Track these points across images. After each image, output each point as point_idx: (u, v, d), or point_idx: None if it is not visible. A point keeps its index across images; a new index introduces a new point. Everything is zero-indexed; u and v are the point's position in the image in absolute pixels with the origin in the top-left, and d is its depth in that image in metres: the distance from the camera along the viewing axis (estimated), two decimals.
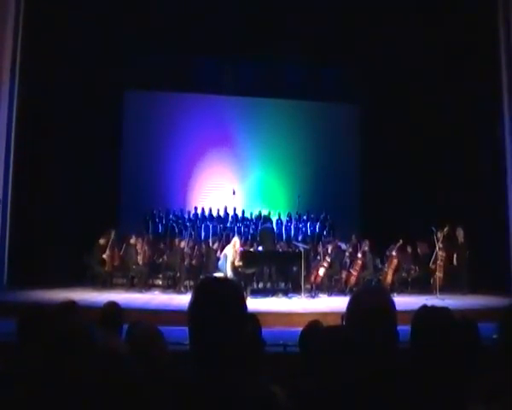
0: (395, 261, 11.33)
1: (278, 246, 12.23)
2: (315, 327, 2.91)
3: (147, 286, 11.63)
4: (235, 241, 10.78)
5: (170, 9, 13.39)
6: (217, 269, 10.73)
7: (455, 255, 11.51)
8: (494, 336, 1.43)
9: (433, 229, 10.96)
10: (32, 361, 1.60)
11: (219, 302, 1.42)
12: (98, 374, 1.16)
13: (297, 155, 15.47)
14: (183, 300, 9.06)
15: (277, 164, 15.55)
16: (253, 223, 14.31)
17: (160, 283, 12.12)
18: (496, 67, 11.67)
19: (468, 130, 12.45)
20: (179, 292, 11.08)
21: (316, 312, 8.45)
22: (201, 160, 15.35)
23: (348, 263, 11.62)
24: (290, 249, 11.91)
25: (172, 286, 11.75)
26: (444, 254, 11.15)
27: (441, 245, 11.10)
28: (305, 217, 14.37)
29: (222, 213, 14.56)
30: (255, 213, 14.65)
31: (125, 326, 2.80)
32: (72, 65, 12.67)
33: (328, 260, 11.35)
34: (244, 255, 10.70)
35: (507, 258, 11.48)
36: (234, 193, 13.56)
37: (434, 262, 11.17)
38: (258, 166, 15.57)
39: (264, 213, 14.25)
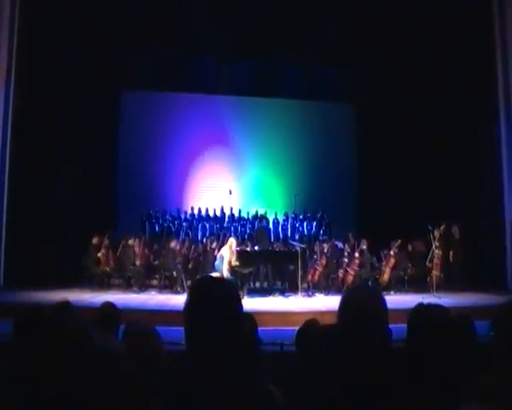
0: (393, 260, 11.35)
1: (275, 245, 12.25)
2: (311, 326, 2.92)
3: (144, 287, 11.63)
4: (232, 241, 10.78)
5: (167, 10, 13.37)
6: (213, 269, 10.73)
7: (451, 253, 11.56)
8: (490, 334, 1.44)
9: (430, 227, 11.00)
10: (29, 362, 1.60)
11: (215, 302, 1.42)
12: (95, 374, 1.16)
13: (293, 154, 15.48)
14: (179, 300, 9.05)
15: (274, 163, 15.55)
16: (250, 222, 14.31)
17: (157, 283, 12.12)
18: (492, 70, 11.72)
19: (465, 129, 12.48)
20: (176, 292, 11.07)
21: (312, 311, 8.45)
22: (198, 159, 15.33)
23: (345, 262, 11.64)
24: (287, 249, 11.91)
25: (169, 287, 11.75)
26: (440, 253, 11.18)
27: (438, 243, 11.13)
28: (301, 216, 14.38)
29: (218, 213, 14.55)
30: (252, 212, 14.65)
31: (122, 327, 2.80)
32: (68, 65, 12.64)
33: (325, 259, 11.37)
34: (241, 255, 10.71)
35: (503, 256, 11.52)
36: (230, 193, 13.55)
37: (431, 260, 11.19)
38: (255, 166, 15.57)
39: (261, 212, 14.30)
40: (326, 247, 11.66)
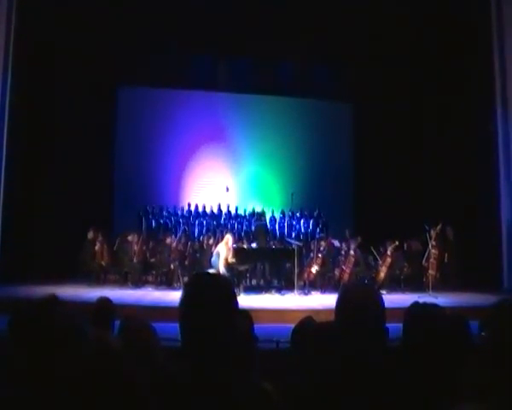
0: (389, 260, 11.39)
1: (271, 243, 12.25)
2: (307, 323, 2.92)
3: (139, 283, 11.63)
4: (228, 238, 10.78)
5: (164, 6, 13.33)
6: (210, 266, 10.74)
7: (446, 253, 11.59)
8: (482, 334, 1.44)
9: (427, 227, 11.02)
10: (20, 357, 1.60)
11: (210, 298, 1.42)
12: (87, 370, 1.15)
13: (291, 152, 15.47)
14: (175, 296, 9.04)
15: (271, 161, 15.54)
16: (247, 220, 14.31)
17: (153, 279, 12.12)
18: (490, 70, 11.74)
19: (462, 129, 12.51)
20: (173, 288, 11.08)
21: (308, 309, 8.49)
22: (195, 156, 15.32)
23: (342, 260, 11.66)
24: (283, 246, 11.92)
25: (165, 283, 11.76)
26: (436, 252, 11.21)
27: (434, 243, 11.15)
28: (298, 214, 14.38)
29: (215, 210, 14.54)
30: (249, 209, 14.65)
31: (118, 322, 2.79)
32: (65, 62, 12.62)
33: (321, 257, 11.38)
34: (237, 252, 10.71)
35: (499, 256, 11.56)
36: (227, 190, 13.54)
37: (427, 260, 11.22)
38: (252, 163, 15.56)
39: (258, 209, 14.30)
40: (322, 245, 11.67)
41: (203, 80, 15.31)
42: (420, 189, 13.53)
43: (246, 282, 11.69)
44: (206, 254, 11.66)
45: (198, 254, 12.01)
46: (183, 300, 1.46)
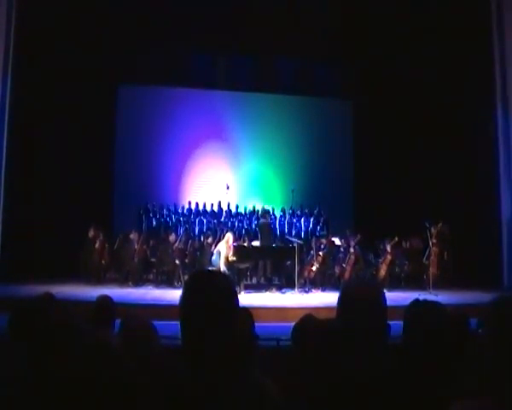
0: (389, 257, 11.39)
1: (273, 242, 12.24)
2: (308, 321, 2.92)
3: (140, 282, 11.63)
4: (229, 237, 10.78)
5: (163, 5, 13.32)
6: (210, 264, 10.74)
7: (445, 251, 11.60)
8: (479, 331, 1.44)
9: (427, 224, 11.02)
10: (19, 356, 1.60)
11: (210, 296, 1.42)
12: (84, 369, 1.15)
13: (291, 149, 15.46)
14: (176, 294, 9.04)
15: (271, 159, 15.53)
16: (247, 218, 14.31)
17: (154, 278, 12.13)
18: (490, 69, 11.73)
19: (462, 128, 12.50)
20: (173, 287, 11.08)
21: (309, 307, 8.49)
22: (195, 154, 15.31)
23: (342, 258, 11.66)
24: (284, 244, 11.91)
25: (166, 281, 11.76)
26: (437, 250, 11.22)
27: (435, 241, 11.16)
28: (298, 212, 14.37)
29: (216, 208, 14.54)
30: (249, 207, 14.65)
31: (118, 321, 2.80)
32: (65, 60, 12.61)
33: (322, 255, 11.38)
34: (238, 250, 10.71)
35: (499, 254, 11.57)
36: (228, 188, 13.54)
37: (428, 258, 11.23)
38: (252, 161, 15.55)
39: (258, 207, 14.29)
40: (323, 243, 11.68)
41: (203, 78, 15.30)
42: (420, 186, 13.52)
43: (246, 280, 11.68)
44: (206, 252, 11.66)
45: (198, 253, 12.01)
46: (184, 298, 1.45)
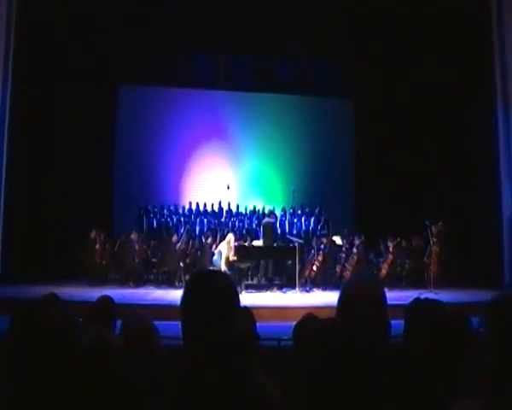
0: (391, 257, 11.41)
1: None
2: (309, 320, 2.92)
3: (140, 282, 11.64)
4: (230, 237, 10.78)
5: (164, 6, 13.32)
6: (211, 264, 10.74)
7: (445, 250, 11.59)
8: (480, 329, 1.44)
9: (428, 223, 11.02)
10: (20, 357, 1.60)
11: (211, 296, 1.41)
12: (85, 369, 1.15)
13: (291, 149, 15.45)
14: (177, 295, 9.05)
15: (272, 158, 15.52)
16: (248, 218, 14.31)
17: (155, 278, 12.14)
18: (491, 69, 11.73)
19: (463, 126, 12.49)
20: (174, 287, 11.08)
21: (310, 306, 8.48)
22: (195, 154, 15.30)
23: (343, 258, 11.66)
24: (285, 244, 11.91)
25: (167, 282, 11.76)
26: (437, 249, 11.21)
27: (435, 239, 11.15)
28: (299, 211, 14.37)
29: (216, 208, 14.54)
30: (249, 207, 14.65)
31: (119, 321, 2.79)
32: (65, 60, 12.61)
33: (323, 254, 11.38)
34: (239, 250, 10.71)
35: (500, 252, 11.56)
36: (228, 188, 13.54)
37: (429, 256, 11.23)
38: (253, 161, 15.54)
39: (259, 207, 14.31)
40: (324, 242, 11.67)
41: (203, 78, 15.29)
42: (421, 185, 13.52)
43: (247, 280, 11.68)
44: (207, 252, 11.66)
45: (199, 253, 12.01)
46: (185, 298, 1.45)
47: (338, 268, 11.61)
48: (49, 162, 12.88)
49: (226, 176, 14.78)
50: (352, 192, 15.50)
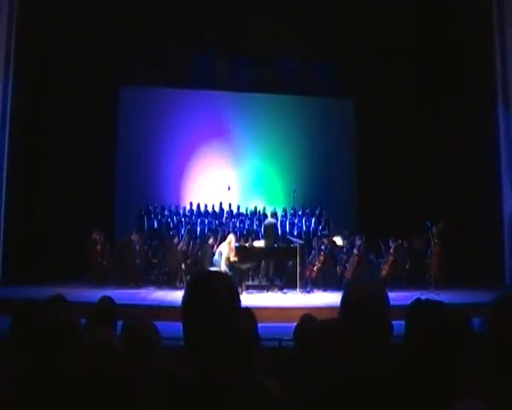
0: (391, 258, 11.41)
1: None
2: (307, 321, 2.92)
3: (142, 282, 11.64)
4: (231, 238, 10.78)
5: (165, 6, 13.32)
6: (212, 265, 10.74)
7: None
8: (481, 330, 1.44)
9: (429, 224, 11.02)
10: (23, 357, 1.60)
11: (212, 296, 1.42)
12: (87, 369, 1.16)
13: (293, 149, 15.45)
14: (178, 295, 9.05)
15: (273, 159, 15.52)
16: (248, 218, 14.30)
17: (156, 279, 12.14)
18: (491, 68, 11.72)
19: (463, 125, 12.50)
20: (175, 288, 11.09)
21: (311, 307, 8.49)
22: (196, 155, 15.31)
23: (344, 258, 11.66)
24: (285, 245, 11.91)
25: (168, 282, 11.76)
26: (438, 250, 11.20)
27: (436, 240, 11.15)
28: (300, 212, 14.36)
29: (217, 209, 14.54)
30: (250, 208, 14.65)
31: (120, 322, 2.79)
32: (66, 61, 12.63)
33: (324, 255, 11.38)
34: (239, 251, 10.71)
35: (501, 252, 11.55)
36: (229, 189, 13.54)
37: (429, 257, 11.22)
38: (254, 161, 15.54)
39: (260, 208, 14.30)
40: (324, 243, 11.67)
41: (204, 79, 15.30)
42: (422, 185, 13.52)
43: (248, 280, 11.67)
44: (207, 253, 11.66)
45: (200, 254, 12.02)
46: (186, 299, 1.45)
47: (339, 269, 11.60)
48: (50, 163, 12.89)
49: (227, 176, 14.78)
50: (352, 193, 15.50)
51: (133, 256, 11.72)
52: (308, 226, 14.06)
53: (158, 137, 15.07)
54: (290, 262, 11.32)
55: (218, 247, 11.10)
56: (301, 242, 11.46)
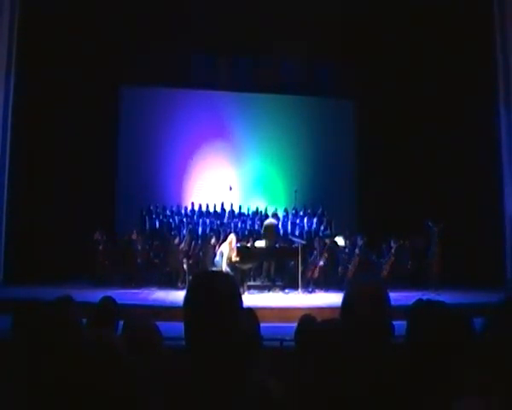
0: (393, 258, 11.41)
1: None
2: (307, 321, 2.92)
3: (144, 282, 11.65)
4: (232, 238, 10.78)
5: (166, 6, 13.34)
6: (213, 265, 10.74)
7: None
8: (482, 331, 1.44)
9: (430, 224, 11.01)
10: (25, 358, 1.60)
11: (214, 296, 1.42)
12: (88, 370, 1.15)
13: (294, 150, 15.45)
14: (180, 295, 9.04)
15: (274, 159, 15.53)
16: (250, 218, 14.30)
17: (157, 279, 12.15)
18: (493, 68, 11.72)
19: (465, 125, 12.48)
20: (177, 288, 11.09)
21: (312, 307, 8.49)
22: (198, 155, 15.32)
23: (345, 258, 11.65)
24: (287, 245, 11.90)
25: (169, 282, 11.77)
26: (440, 249, 11.19)
27: (437, 240, 11.14)
28: (301, 212, 14.36)
29: (219, 209, 14.54)
30: (252, 208, 14.65)
31: (122, 322, 2.79)
32: (68, 61, 12.63)
33: (325, 255, 11.37)
34: (241, 251, 10.71)
35: (502, 252, 11.54)
36: (230, 189, 13.55)
37: (431, 257, 11.21)
38: (255, 162, 15.55)
39: (261, 208, 14.31)
40: (326, 243, 11.67)
41: (205, 79, 15.31)
42: (423, 185, 13.51)
43: (250, 281, 11.67)
44: (209, 253, 11.66)
45: (201, 254, 12.02)
46: (188, 299, 1.45)
47: (340, 269, 11.60)
48: (51, 163, 12.90)
49: (228, 176, 14.79)
50: (354, 193, 15.50)
51: (134, 256, 11.73)
52: (309, 226, 14.05)
53: (159, 137, 15.09)
54: (292, 262, 11.32)
55: (219, 247, 11.11)
56: (303, 242, 11.46)
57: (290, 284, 11.26)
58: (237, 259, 10.55)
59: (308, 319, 2.99)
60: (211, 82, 15.39)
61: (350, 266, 11.44)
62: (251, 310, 2.61)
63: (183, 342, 1.44)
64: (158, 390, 1.38)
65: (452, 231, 11.45)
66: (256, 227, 13.72)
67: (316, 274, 11.29)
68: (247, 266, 11.06)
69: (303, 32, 13.76)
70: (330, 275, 11.63)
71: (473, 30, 11.96)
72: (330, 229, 13.67)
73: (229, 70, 15.63)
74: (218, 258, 10.67)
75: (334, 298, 9.61)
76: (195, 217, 14.23)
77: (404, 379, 1.57)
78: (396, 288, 10.95)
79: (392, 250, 11.45)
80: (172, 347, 2.96)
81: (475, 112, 12.22)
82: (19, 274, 10.83)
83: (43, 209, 12.40)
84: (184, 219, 14.05)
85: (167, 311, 7.34)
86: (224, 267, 10.25)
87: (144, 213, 13.92)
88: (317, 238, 12.31)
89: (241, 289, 9.82)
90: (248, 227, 13.93)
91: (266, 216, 13.40)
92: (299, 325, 2.97)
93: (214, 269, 9.94)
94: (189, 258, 11.89)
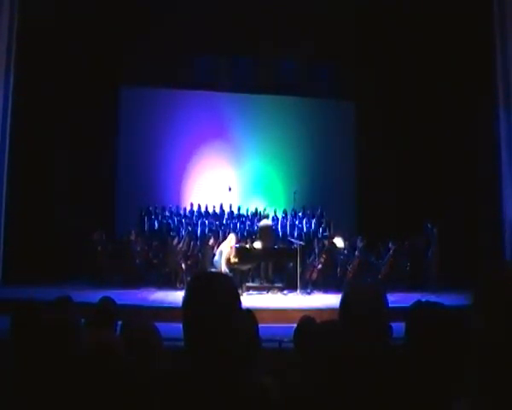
0: (392, 260, 11.42)
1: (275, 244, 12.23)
2: (306, 323, 2.92)
3: (142, 283, 11.64)
4: (231, 238, 10.77)
5: (166, 7, 13.34)
6: (212, 265, 10.74)
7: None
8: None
9: (429, 225, 11.01)
10: (25, 357, 1.60)
11: (212, 297, 1.42)
12: (88, 370, 1.16)
13: (293, 151, 15.46)
14: (179, 296, 9.05)
15: (273, 160, 15.53)
16: (249, 219, 14.30)
17: (156, 279, 12.14)
18: (492, 69, 11.72)
19: (464, 127, 12.49)
20: (176, 288, 11.09)
21: (311, 308, 8.49)
22: (197, 156, 15.32)
23: (344, 260, 11.65)
24: (286, 246, 11.90)
25: (168, 283, 11.77)
26: (439, 251, 11.20)
27: (436, 241, 11.14)
28: (300, 213, 14.36)
29: (218, 210, 14.54)
30: (251, 209, 14.65)
31: (120, 323, 2.80)
32: (68, 61, 12.63)
33: (324, 256, 11.37)
34: (240, 252, 10.70)
35: (501, 253, 11.54)
36: (230, 190, 13.54)
37: (430, 259, 11.21)
38: (255, 163, 15.56)
39: (260, 209, 14.30)
40: (325, 244, 11.67)
41: (205, 80, 15.32)
42: (422, 186, 13.51)
43: (248, 281, 11.67)
44: (208, 254, 11.66)
45: (200, 254, 12.02)
46: (186, 300, 1.45)
47: (339, 271, 11.59)
48: (50, 164, 12.90)
49: (227, 177, 14.79)
50: (353, 194, 15.50)
51: (133, 257, 11.73)
52: (308, 228, 14.05)
53: (159, 138, 15.10)
54: (291, 264, 11.32)
55: (218, 248, 11.10)
56: (302, 243, 11.46)
57: (289, 286, 11.26)
58: (235, 260, 10.54)
59: (307, 320, 3.00)
60: (210, 82, 15.40)
61: (349, 268, 11.43)
62: (250, 311, 2.61)
63: (182, 343, 1.44)
64: (156, 390, 1.38)
65: (451, 232, 11.45)
66: (255, 228, 13.71)
67: (314, 276, 11.29)
68: (245, 267, 11.06)
69: (303, 32, 13.78)
70: (329, 276, 11.63)
71: (473, 30, 11.96)
72: (329, 230, 13.66)
73: (229, 70, 15.64)
74: (217, 257, 10.66)
75: (332, 299, 9.58)
76: (195, 218, 14.23)
77: (403, 380, 1.57)
78: (395, 289, 10.98)
79: (391, 252, 11.46)
80: (172, 348, 2.96)
81: (475, 113, 12.23)
82: (18, 274, 10.81)
83: (43, 209, 12.39)
84: (183, 220, 14.05)
85: (166, 311, 7.34)
86: (223, 268, 10.25)
87: (143, 213, 13.92)
88: (315, 240, 12.31)
89: (240, 290, 9.82)
90: (247, 228, 13.93)
91: (266, 217, 13.40)
92: (298, 326, 2.97)
93: (213, 270, 9.94)
94: (187, 258, 11.89)
